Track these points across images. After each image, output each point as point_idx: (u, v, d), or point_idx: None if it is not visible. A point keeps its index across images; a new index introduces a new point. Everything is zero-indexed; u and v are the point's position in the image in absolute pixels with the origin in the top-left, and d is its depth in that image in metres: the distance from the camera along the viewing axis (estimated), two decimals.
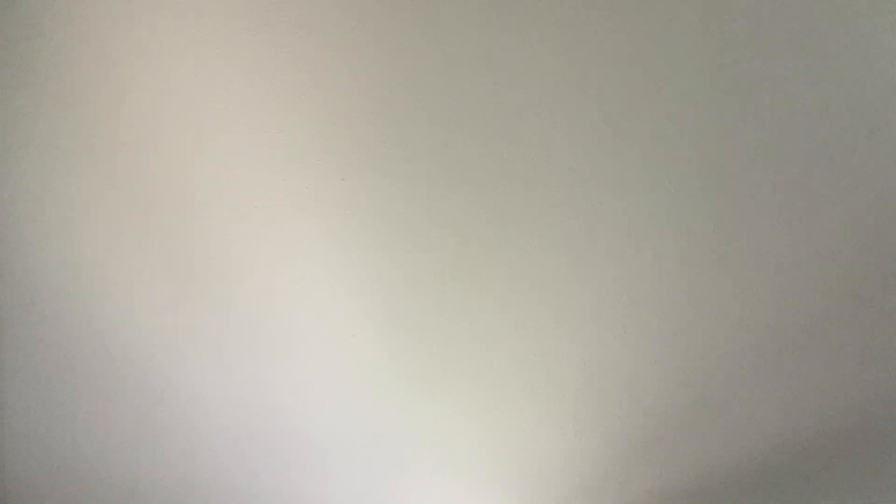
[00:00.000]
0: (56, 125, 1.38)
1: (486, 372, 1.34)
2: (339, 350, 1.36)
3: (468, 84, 1.30)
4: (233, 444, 1.39)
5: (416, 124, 1.31)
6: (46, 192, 1.39)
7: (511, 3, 1.27)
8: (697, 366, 1.29)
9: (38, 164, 1.39)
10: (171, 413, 1.40)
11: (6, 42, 1.38)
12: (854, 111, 1.21)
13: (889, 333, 1.23)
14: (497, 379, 1.33)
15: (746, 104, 1.23)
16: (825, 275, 1.24)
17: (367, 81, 1.31)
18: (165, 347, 1.39)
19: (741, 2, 1.21)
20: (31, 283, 1.41)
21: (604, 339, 1.31)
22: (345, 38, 1.31)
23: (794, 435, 1.27)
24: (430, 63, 1.30)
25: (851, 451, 1.26)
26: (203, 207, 1.36)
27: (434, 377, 1.34)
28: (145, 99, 1.36)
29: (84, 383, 1.41)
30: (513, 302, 1.33)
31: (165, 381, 1.40)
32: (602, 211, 1.29)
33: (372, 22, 1.30)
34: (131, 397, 1.41)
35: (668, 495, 1.30)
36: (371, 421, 1.34)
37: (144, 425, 1.41)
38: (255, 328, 1.37)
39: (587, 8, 1.25)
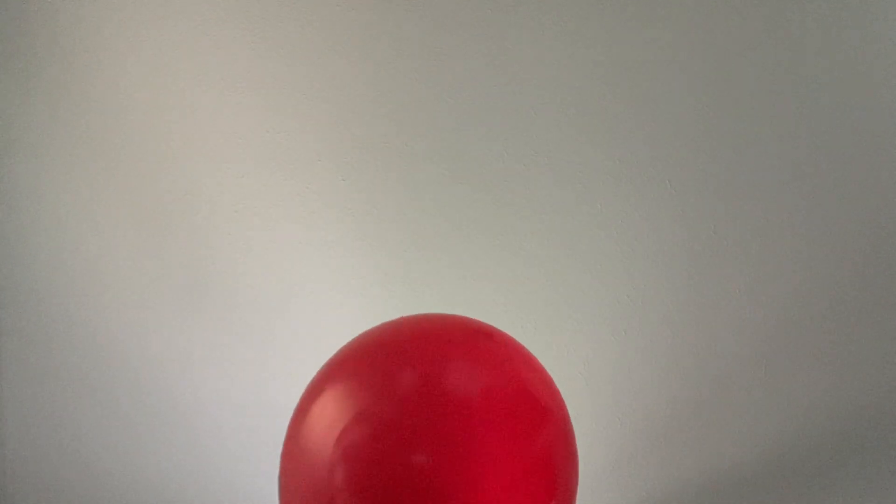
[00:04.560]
0: (56, 125, 1.37)
1: None
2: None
3: (469, 84, 1.30)
4: (233, 444, 1.39)
5: (416, 124, 1.31)
6: (47, 195, 1.38)
7: (513, 4, 1.27)
8: (698, 366, 1.29)
9: (37, 166, 1.38)
10: (171, 413, 1.39)
11: (5, 42, 1.37)
12: (859, 113, 1.21)
13: (890, 336, 1.24)
14: None
15: (749, 104, 1.24)
16: (827, 276, 1.25)
17: (367, 81, 1.31)
18: (166, 348, 1.38)
19: (746, 2, 1.22)
20: (30, 285, 1.40)
21: (604, 339, 1.31)
22: (346, 38, 1.31)
23: (795, 436, 1.27)
24: (431, 62, 1.30)
25: (853, 452, 1.26)
26: (202, 208, 1.36)
27: None
28: (145, 99, 1.35)
29: (85, 385, 1.40)
30: (513, 302, 1.33)
31: (165, 381, 1.39)
32: (603, 212, 1.29)
33: (373, 21, 1.30)
34: (131, 397, 1.40)
35: (668, 496, 1.30)
36: None
37: (145, 426, 1.40)
38: (255, 328, 1.37)
39: (588, 8, 1.25)
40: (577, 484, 0.79)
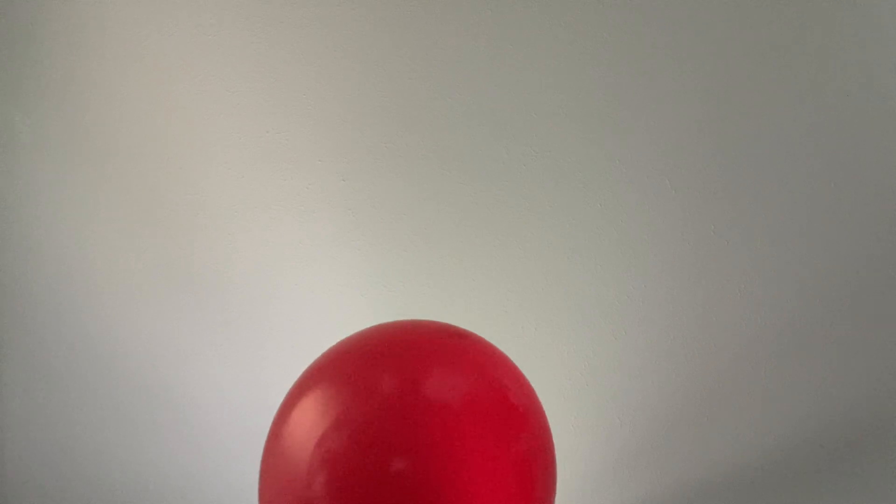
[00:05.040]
0: (55, 125, 1.39)
1: None
2: None
3: (469, 84, 1.29)
4: (234, 445, 1.40)
5: (416, 124, 1.31)
6: (47, 194, 1.40)
7: (513, 4, 1.26)
8: (698, 367, 1.28)
9: (37, 165, 1.40)
10: (172, 413, 1.40)
11: (6, 43, 1.39)
12: (859, 112, 1.20)
13: (890, 336, 1.23)
14: None
15: (749, 104, 1.23)
16: (827, 276, 1.24)
17: (367, 81, 1.31)
18: (166, 347, 1.39)
19: (746, 3, 1.21)
20: (31, 284, 1.41)
21: (605, 338, 1.31)
22: (345, 38, 1.31)
23: (794, 436, 1.26)
24: (431, 62, 1.30)
25: (853, 453, 1.25)
26: (203, 208, 1.36)
27: None
28: (146, 100, 1.36)
29: (85, 385, 1.42)
30: (514, 302, 1.32)
31: (166, 381, 1.40)
32: (603, 212, 1.28)
33: (373, 21, 1.30)
34: (132, 398, 1.41)
35: (668, 496, 1.30)
36: None
37: (145, 426, 1.41)
38: (256, 328, 1.38)
39: (589, 8, 1.25)
40: (555, 488, 0.80)
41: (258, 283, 1.37)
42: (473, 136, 1.30)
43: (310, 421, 0.67)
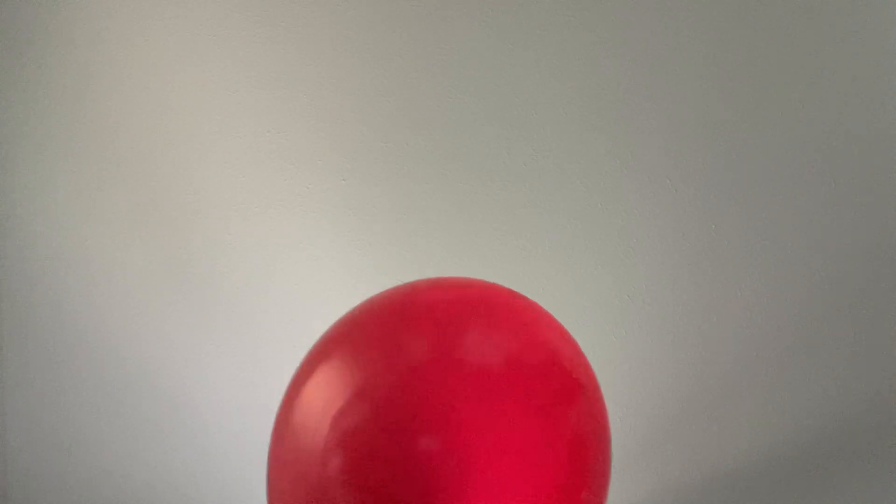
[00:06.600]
0: (55, 124, 1.38)
1: None
2: None
3: (469, 83, 1.30)
4: (234, 445, 1.38)
5: (417, 123, 1.31)
6: (47, 192, 1.39)
7: (513, 5, 1.27)
8: (699, 366, 1.28)
9: (37, 163, 1.39)
10: (171, 413, 1.39)
11: (7, 41, 1.38)
12: (862, 111, 1.21)
13: (890, 335, 1.23)
14: None
15: (751, 102, 1.24)
16: (829, 275, 1.24)
17: (368, 81, 1.32)
18: (166, 347, 1.38)
19: (746, 4, 1.22)
20: (30, 283, 1.40)
21: (604, 338, 1.31)
22: (346, 38, 1.31)
23: (797, 436, 1.27)
24: (431, 62, 1.30)
25: (854, 454, 1.26)
26: (204, 208, 1.36)
27: None
28: (146, 98, 1.36)
29: (84, 385, 1.40)
30: None
31: (165, 382, 1.39)
32: (603, 211, 1.29)
33: (374, 20, 1.31)
34: (130, 399, 1.40)
35: (668, 496, 1.30)
36: None
37: (144, 425, 1.40)
38: (255, 328, 1.37)
39: (589, 7, 1.26)
40: (609, 470, 0.67)
41: (258, 282, 1.36)
42: (474, 135, 1.30)
43: (325, 394, 0.54)
